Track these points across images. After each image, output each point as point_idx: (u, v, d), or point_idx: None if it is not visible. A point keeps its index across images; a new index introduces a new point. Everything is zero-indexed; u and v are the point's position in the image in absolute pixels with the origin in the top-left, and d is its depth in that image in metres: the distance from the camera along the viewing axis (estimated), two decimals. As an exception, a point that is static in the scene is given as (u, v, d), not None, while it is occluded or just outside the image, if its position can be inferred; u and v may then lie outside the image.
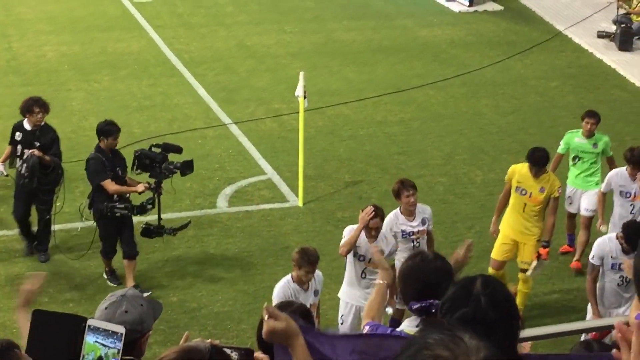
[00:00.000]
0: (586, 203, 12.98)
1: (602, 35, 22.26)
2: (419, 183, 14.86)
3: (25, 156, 12.09)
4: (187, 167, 11.81)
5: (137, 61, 19.89)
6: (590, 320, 10.18)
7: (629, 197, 12.17)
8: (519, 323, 3.18)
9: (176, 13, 23.39)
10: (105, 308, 4.68)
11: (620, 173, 12.23)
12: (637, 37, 21.96)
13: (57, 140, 12.46)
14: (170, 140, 15.93)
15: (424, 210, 11.24)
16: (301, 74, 13.57)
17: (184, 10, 23.61)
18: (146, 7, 23.58)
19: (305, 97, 13.61)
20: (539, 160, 11.56)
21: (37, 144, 12.26)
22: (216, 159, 15.54)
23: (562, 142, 13.21)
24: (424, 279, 4.55)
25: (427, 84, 19.08)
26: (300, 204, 14.08)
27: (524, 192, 11.70)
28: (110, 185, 11.51)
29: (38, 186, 12.12)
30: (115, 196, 11.62)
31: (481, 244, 13.12)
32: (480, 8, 24.59)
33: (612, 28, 22.25)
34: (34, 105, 12.36)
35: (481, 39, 22.39)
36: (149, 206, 11.80)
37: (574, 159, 13.11)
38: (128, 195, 11.85)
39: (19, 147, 12.37)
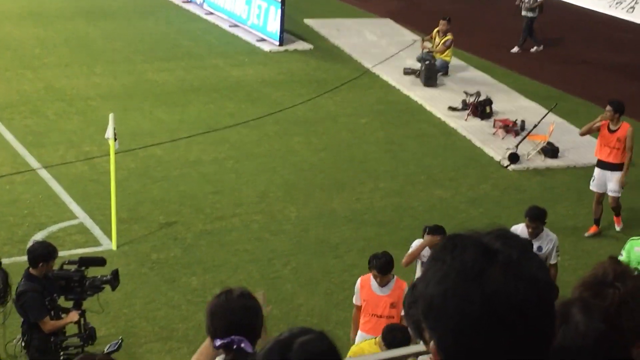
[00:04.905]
0: None
1: (408, 72, 23.00)
2: (234, 222, 14.97)
3: None
4: (116, 279, 9.91)
5: (-62, 106, 19.15)
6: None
7: None
8: None
9: (-20, 56, 22.69)
10: None
11: None
12: (440, 74, 22.80)
13: None
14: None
15: None
16: (111, 116, 13.38)
17: (-12, 53, 22.93)
18: (-53, 51, 22.79)
19: (116, 139, 13.42)
20: None
21: None
22: (25, 204, 15.08)
23: None
24: (229, 317, 4.54)
25: (240, 123, 19.17)
26: (114, 247, 13.82)
27: None
28: (47, 325, 9.68)
29: None
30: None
31: (297, 281, 13.27)
32: (291, 47, 24.98)
33: (417, 65, 23.01)
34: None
35: (292, 77, 22.71)
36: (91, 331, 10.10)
37: None
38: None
39: None
